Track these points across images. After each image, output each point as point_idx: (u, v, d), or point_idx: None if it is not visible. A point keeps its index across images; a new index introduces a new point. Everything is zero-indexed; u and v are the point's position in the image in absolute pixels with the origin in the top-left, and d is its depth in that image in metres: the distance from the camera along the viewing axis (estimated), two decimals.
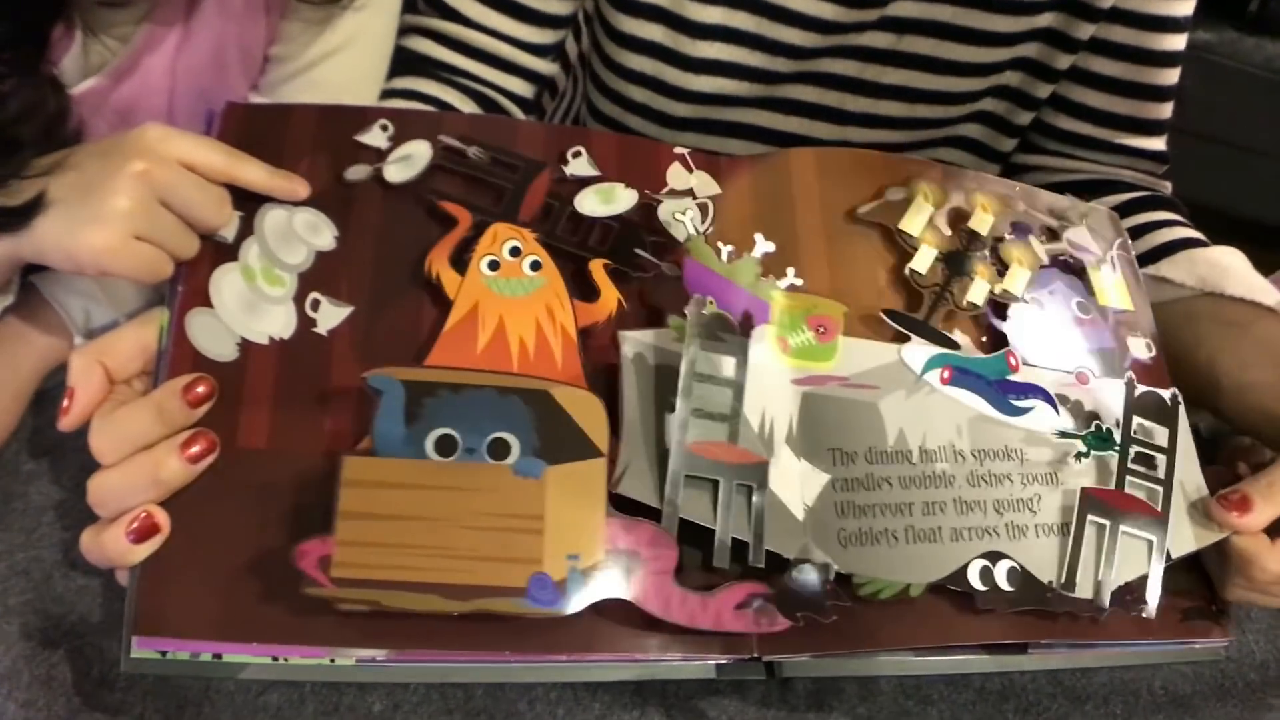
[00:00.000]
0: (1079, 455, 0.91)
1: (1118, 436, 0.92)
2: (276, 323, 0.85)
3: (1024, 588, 0.87)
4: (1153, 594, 0.89)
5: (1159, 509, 0.91)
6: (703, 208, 0.97)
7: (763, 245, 0.95)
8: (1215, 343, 1.10)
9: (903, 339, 0.94)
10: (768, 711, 0.96)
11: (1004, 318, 1.00)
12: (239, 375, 0.82)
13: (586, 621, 0.79)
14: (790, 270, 0.94)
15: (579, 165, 0.95)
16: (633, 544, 0.80)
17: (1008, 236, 1.03)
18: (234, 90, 1.20)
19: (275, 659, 0.78)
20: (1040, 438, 0.93)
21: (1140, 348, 1.03)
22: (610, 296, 0.90)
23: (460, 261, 0.88)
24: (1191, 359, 1.10)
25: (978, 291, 0.98)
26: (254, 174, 0.88)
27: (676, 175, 1.01)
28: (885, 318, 0.93)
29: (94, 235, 0.83)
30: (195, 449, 0.78)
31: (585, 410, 0.82)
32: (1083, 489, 0.90)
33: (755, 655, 0.83)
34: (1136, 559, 0.90)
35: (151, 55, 1.13)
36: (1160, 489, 0.92)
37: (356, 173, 0.89)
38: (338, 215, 0.89)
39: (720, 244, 0.93)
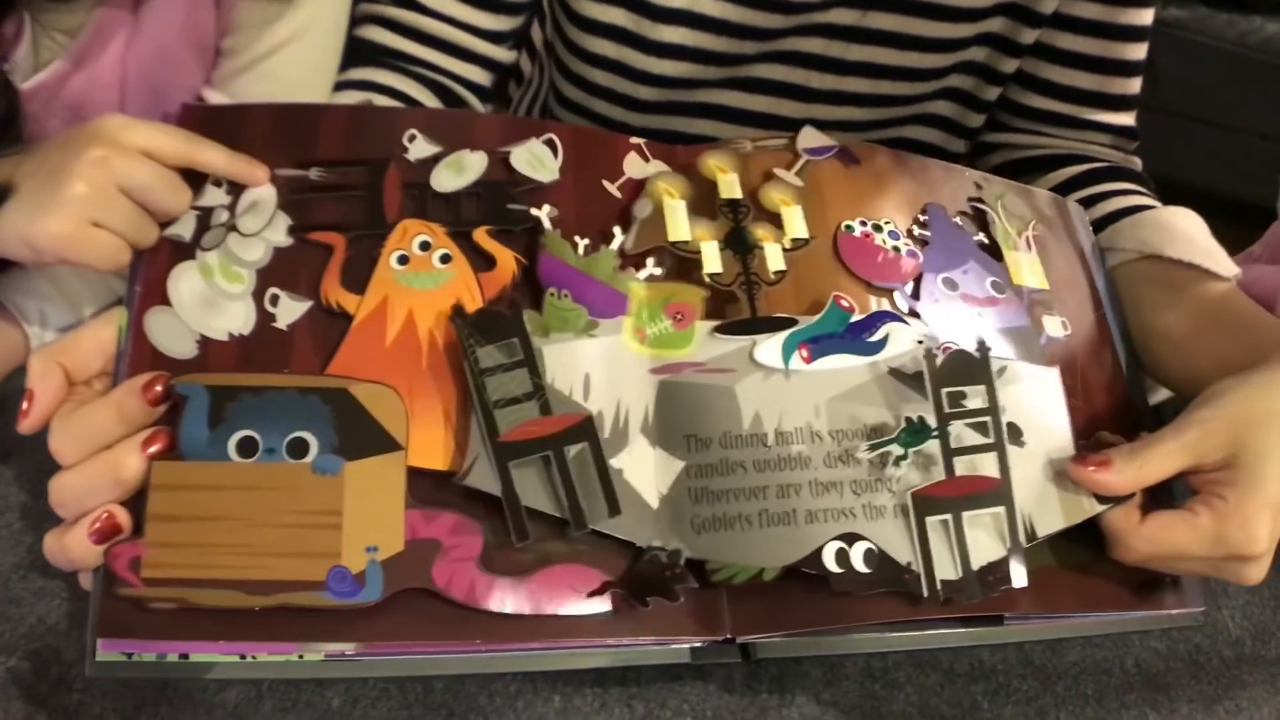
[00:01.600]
0: (898, 460, 0.83)
1: (932, 421, 0.84)
2: (236, 319, 0.81)
3: (881, 569, 0.80)
4: (1017, 569, 0.83)
5: (996, 475, 0.84)
6: (550, 144, 0.93)
7: (620, 238, 0.90)
8: (1153, 305, 1.03)
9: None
10: (731, 697, 0.90)
11: (918, 297, 0.94)
12: (199, 372, 0.78)
13: (550, 612, 0.77)
14: (650, 260, 0.89)
15: (419, 148, 0.90)
16: (433, 533, 0.76)
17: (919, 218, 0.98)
18: (187, 83, 1.18)
19: (243, 657, 0.75)
20: (894, 415, 0.86)
21: (1055, 326, 0.96)
22: (505, 258, 0.86)
23: (355, 277, 0.84)
24: (1136, 324, 1.02)
25: (774, 257, 0.91)
26: (214, 157, 0.86)
27: (633, 164, 0.96)
28: (720, 336, 0.87)
29: (51, 222, 0.81)
30: (155, 447, 0.74)
31: (384, 405, 0.78)
32: (912, 494, 0.82)
33: (729, 636, 0.81)
34: (991, 537, 0.84)
35: (101, 48, 1.11)
36: (993, 454, 0.85)
37: (212, 239, 0.84)
38: (293, 212, 0.85)
39: (577, 237, 0.88)
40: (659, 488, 0.81)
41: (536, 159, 0.93)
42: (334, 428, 0.76)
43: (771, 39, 1.19)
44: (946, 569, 0.81)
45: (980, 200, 1.01)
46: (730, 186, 0.95)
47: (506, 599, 0.77)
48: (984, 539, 0.83)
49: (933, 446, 0.84)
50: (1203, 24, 2.38)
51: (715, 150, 0.97)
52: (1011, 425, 0.86)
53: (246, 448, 0.75)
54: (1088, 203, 1.12)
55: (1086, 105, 1.22)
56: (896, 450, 0.83)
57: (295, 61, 1.18)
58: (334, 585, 0.75)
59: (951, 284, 0.94)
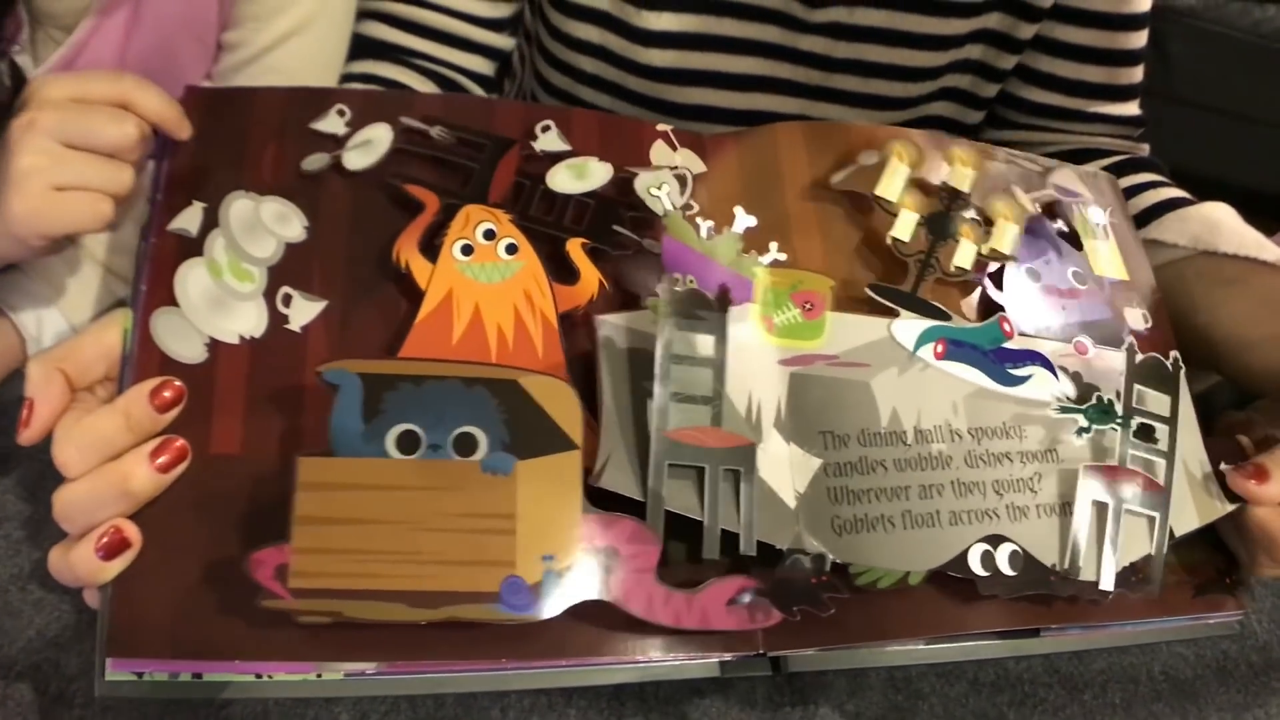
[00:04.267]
0: (1080, 431, 0.82)
1: (1119, 408, 0.83)
2: (247, 320, 0.76)
3: (1027, 571, 0.78)
4: (1157, 573, 0.81)
5: (1161, 482, 0.82)
6: (681, 179, 0.88)
7: (743, 220, 0.84)
8: (1212, 302, 1.01)
9: (893, 313, 0.84)
10: (754, 711, 0.86)
11: (1000, 288, 0.90)
12: (209, 377, 0.73)
13: (577, 624, 0.71)
14: (773, 245, 0.84)
15: (548, 140, 0.85)
16: (611, 541, 0.71)
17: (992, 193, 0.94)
18: (188, 77, 1.11)
19: (259, 676, 0.70)
20: (1039, 414, 0.84)
21: (1137, 318, 0.94)
22: (591, 277, 0.81)
23: (431, 248, 0.79)
24: (1190, 321, 1.00)
25: (965, 255, 0.88)
26: (146, 98, 0.80)
27: (660, 153, 0.91)
28: (871, 293, 0.84)
29: (14, 203, 0.77)
30: (165, 458, 0.69)
31: (557, 400, 0.71)
32: (1084, 467, 0.80)
33: (760, 651, 0.75)
34: (1139, 537, 0.82)
35: (100, 44, 1.04)
36: (1163, 461, 0.83)
37: (314, 162, 0.80)
38: (306, 204, 0.80)
39: (700, 220, 0.83)
40: (796, 486, 0.77)
41: (658, 188, 0.87)
42: (504, 423, 0.70)
43: (757, 30, 1.16)
44: (1089, 571, 0.80)
45: (1062, 186, 0.99)
46: (963, 178, 0.91)
47: (682, 614, 0.73)
48: (1134, 537, 0.82)
49: (1110, 435, 0.83)
50: (1216, 12, 2.37)
51: (967, 144, 0.94)
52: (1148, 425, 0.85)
53: (407, 443, 0.69)
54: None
55: (1091, 97, 1.20)
56: (1082, 421, 0.83)
57: (298, 55, 1.13)
58: (509, 597, 0.69)
59: (1034, 274, 0.91)
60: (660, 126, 0.92)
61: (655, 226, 0.84)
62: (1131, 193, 1.13)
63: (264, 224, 0.80)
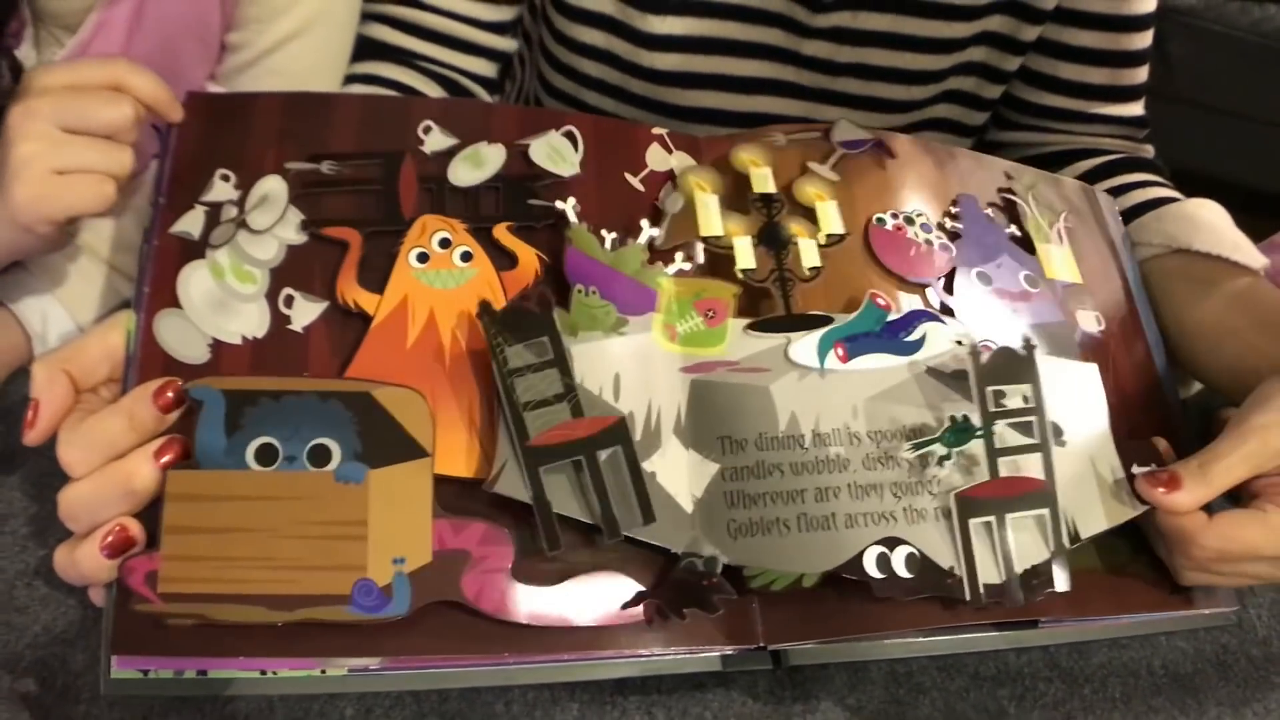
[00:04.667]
0: (942, 461, 0.81)
1: (977, 419, 0.81)
2: (249, 321, 0.77)
3: (923, 574, 0.78)
4: (1060, 571, 0.81)
5: (1042, 478, 0.82)
6: (569, 135, 0.89)
7: (649, 231, 0.85)
8: (1182, 300, 0.99)
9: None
10: (755, 704, 0.86)
11: (951, 292, 0.90)
12: (212, 377, 0.74)
13: (583, 624, 0.74)
14: (679, 255, 0.86)
15: (435, 140, 0.86)
16: (462, 543, 0.72)
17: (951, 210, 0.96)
18: (190, 79, 1.13)
19: (263, 673, 0.72)
20: (935, 414, 0.84)
21: (1089, 320, 0.94)
22: (528, 256, 0.83)
23: (385, 265, 0.81)
24: (1166, 318, 0.99)
25: (809, 253, 0.88)
26: (139, 81, 0.81)
27: (656, 156, 0.92)
28: (754, 334, 0.84)
29: (17, 189, 0.78)
30: (168, 456, 0.70)
31: (409, 410, 0.74)
32: (955, 495, 0.80)
33: (760, 645, 0.77)
34: (1035, 539, 0.82)
35: (102, 44, 1.06)
36: (1038, 455, 0.83)
37: (221, 235, 0.80)
38: (307, 208, 0.81)
39: (604, 231, 0.84)
40: (693, 491, 0.77)
41: (556, 152, 0.89)
42: (357, 434, 0.72)
43: (761, 33, 1.15)
44: (990, 573, 0.79)
45: (1010, 191, 0.99)
46: (763, 180, 0.91)
47: (538, 611, 0.74)
48: (1027, 541, 0.80)
49: (976, 446, 0.81)
50: (1215, 12, 2.32)
51: (747, 143, 0.93)
52: (1052, 424, 0.84)
53: (266, 455, 0.71)
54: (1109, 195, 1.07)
55: (1096, 99, 1.19)
56: (940, 450, 0.80)
57: (301, 56, 1.14)
58: (360, 599, 0.71)
59: (985, 278, 0.91)
60: (655, 130, 0.93)
61: (568, 185, 0.86)
62: (1120, 191, 1.11)
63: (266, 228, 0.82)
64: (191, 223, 0.81)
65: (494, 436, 0.76)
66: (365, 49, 1.17)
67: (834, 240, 0.89)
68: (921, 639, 0.81)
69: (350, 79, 1.16)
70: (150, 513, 0.71)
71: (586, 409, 0.76)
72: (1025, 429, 0.83)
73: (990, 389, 0.82)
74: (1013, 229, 0.95)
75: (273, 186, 0.82)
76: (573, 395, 0.76)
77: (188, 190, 0.80)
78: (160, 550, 0.70)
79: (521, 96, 1.36)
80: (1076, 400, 0.87)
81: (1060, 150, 1.22)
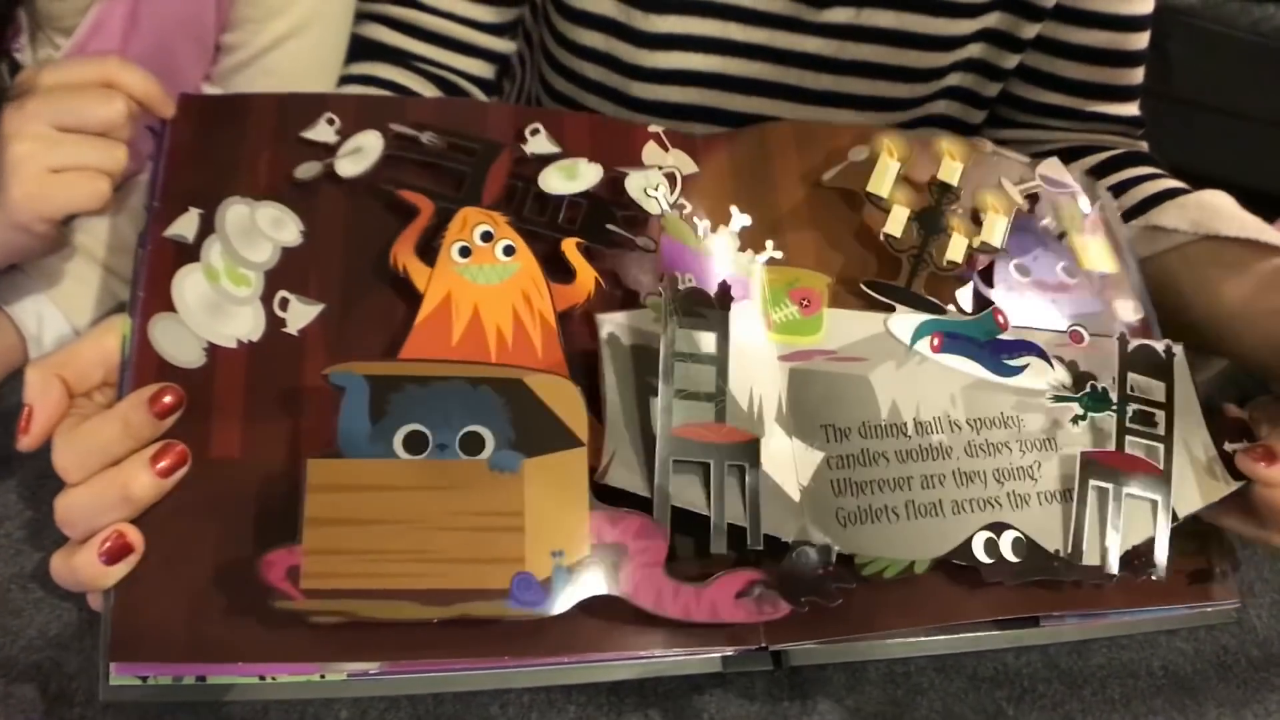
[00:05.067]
0: (1076, 419, 0.83)
1: (1114, 395, 0.84)
2: (244, 324, 0.76)
3: (1030, 558, 0.78)
4: (1161, 555, 0.81)
5: (1161, 467, 0.82)
6: (670, 178, 0.88)
7: (739, 219, 0.85)
8: (1214, 284, 1.01)
9: (888, 308, 0.84)
10: (752, 706, 0.86)
11: (990, 284, 0.90)
12: (207, 382, 0.73)
13: (581, 620, 0.71)
14: (769, 243, 0.85)
15: (538, 143, 0.86)
16: (619, 536, 0.71)
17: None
18: (186, 80, 1.11)
19: (263, 678, 0.69)
20: (1036, 403, 0.84)
21: (1128, 310, 0.93)
22: (587, 276, 0.81)
23: (428, 250, 0.79)
24: (1195, 305, 1.01)
25: (956, 249, 0.89)
26: (131, 78, 0.80)
27: (652, 154, 0.91)
28: (866, 289, 0.84)
29: (14, 188, 0.78)
30: (165, 462, 0.69)
31: (562, 398, 0.72)
32: (1082, 453, 0.81)
33: (762, 645, 0.75)
34: (1142, 521, 0.81)
35: (98, 45, 1.04)
36: (1161, 446, 0.83)
37: (307, 170, 0.80)
38: (302, 209, 0.80)
39: (696, 219, 0.84)
40: (800, 480, 0.77)
41: (650, 186, 0.88)
42: (510, 422, 0.71)
43: (765, 35, 1.15)
44: (1093, 555, 0.80)
45: (1052, 181, 1.00)
46: (952, 172, 0.91)
47: (692, 607, 0.73)
48: (1134, 520, 0.81)
49: (1109, 419, 0.83)
50: (1215, 11, 2.34)
51: (956, 138, 0.94)
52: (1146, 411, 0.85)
53: (415, 444, 0.69)
54: (1120, 189, 1.09)
55: (1094, 98, 1.20)
56: (1077, 409, 0.83)
57: (297, 57, 1.12)
58: (520, 593, 0.69)
59: (1024, 270, 0.91)
60: (652, 128, 0.92)
61: (647, 224, 0.84)
62: (1131, 184, 1.13)
63: (260, 229, 0.80)
64: (185, 226, 0.79)
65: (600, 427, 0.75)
66: (361, 49, 1.15)
67: (986, 250, 0.90)
68: (923, 638, 0.81)
69: (346, 79, 1.13)
70: (287, 503, 0.69)
71: (730, 417, 0.76)
72: (1149, 420, 0.85)
73: (1131, 375, 0.85)
74: (1047, 220, 0.95)
75: (370, 140, 0.82)
76: (721, 399, 0.76)
77: (181, 194, 0.79)
78: (302, 544, 0.67)
79: (522, 98, 1.34)
80: (1177, 382, 0.88)
81: (1061, 148, 1.23)
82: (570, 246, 0.81)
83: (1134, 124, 1.25)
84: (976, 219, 0.90)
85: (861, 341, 0.83)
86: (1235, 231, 1.02)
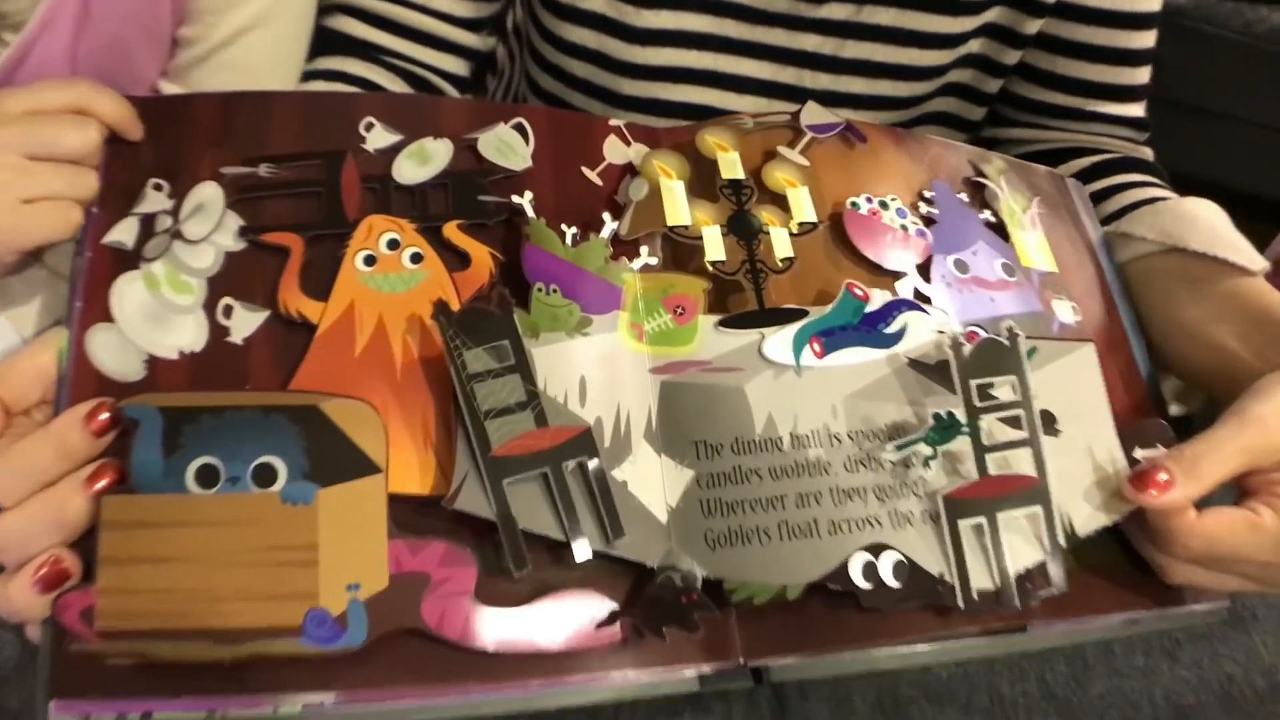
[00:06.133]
0: (926, 461, 0.76)
1: (961, 415, 0.77)
2: (186, 334, 0.73)
3: (912, 582, 0.73)
4: (1056, 571, 0.76)
5: (1034, 474, 0.77)
6: (520, 129, 0.86)
7: (611, 225, 0.82)
8: (1175, 300, 0.94)
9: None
10: None
11: (928, 279, 0.86)
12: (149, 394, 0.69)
13: (555, 649, 0.69)
14: (644, 249, 0.82)
15: (377, 137, 0.82)
16: (421, 565, 0.68)
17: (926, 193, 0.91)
18: (141, 76, 1.09)
19: (212, 713, 0.68)
20: (918, 411, 0.79)
21: (1065, 310, 0.89)
22: (480, 255, 0.79)
23: (323, 278, 0.76)
24: (1153, 318, 0.94)
25: (781, 242, 0.84)
26: (102, 103, 0.79)
27: (614, 149, 0.88)
28: (725, 330, 0.80)
29: None
30: (102, 483, 0.66)
31: (359, 423, 0.70)
32: (943, 497, 0.75)
33: (740, 661, 0.72)
34: (1029, 540, 0.77)
35: (49, 41, 1.02)
36: (1028, 450, 0.77)
37: (154, 249, 0.76)
38: (246, 212, 0.78)
39: (564, 226, 0.80)
40: (668, 500, 0.74)
41: (506, 145, 0.85)
42: (304, 451, 0.68)
43: (761, 32, 1.10)
44: (982, 578, 0.75)
45: (981, 176, 0.95)
46: (732, 166, 0.87)
47: (504, 636, 0.69)
48: (1021, 543, 0.76)
49: (962, 444, 0.77)
50: (1207, 13, 2.31)
51: (714, 127, 0.89)
52: (1044, 413, 0.79)
53: (207, 477, 0.67)
54: (1101, 195, 1.05)
55: (1094, 97, 1.14)
56: (924, 450, 0.76)
57: (257, 50, 1.09)
58: (312, 630, 0.66)
59: (962, 266, 0.87)
60: (613, 121, 0.90)
61: (520, 179, 0.83)
62: (1112, 191, 1.08)
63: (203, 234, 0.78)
64: (125, 232, 0.77)
65: (451, 450, 0.72)
66: (328, 43, 1.12)
67: (806, 229, 0.85)
68: (908, 650, 0.77)
69: (310, 75, 1.11)
70: (86, 543, 0.67)
71: (551, 417, 0.73)
72: (1014, 422, 0.78)
73: (975, 382, 0.78)
74: (987, 215, 0.91)
75: (208, 194, 0.79)
76: (536, 403, 0.73)
77: (121, 198, 0.78)
78: (96, 584, 0.65)
79: (509, 96, 1.32)
80: (1072, 385, 0.83)
81: (1056, 148, 1.19)
82: (453, 230, 0.79)
83: (1137, 125, 1.18)
84: (782, 203, 0.87)
85: (738, 350, 0.79)
86: (1205, 247, 0.94)
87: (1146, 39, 1.13)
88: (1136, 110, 1.18)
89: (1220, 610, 0.84)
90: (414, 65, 1.12)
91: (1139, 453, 0.81)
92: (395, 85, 1.10)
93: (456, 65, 1.15)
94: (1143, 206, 1.01)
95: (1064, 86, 1.17)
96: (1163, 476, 0.75)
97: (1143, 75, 1.16)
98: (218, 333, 0.73)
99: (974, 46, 1.15)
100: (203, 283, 0.76)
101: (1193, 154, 1.29)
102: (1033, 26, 1.12)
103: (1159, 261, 0.96)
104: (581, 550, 0.71)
